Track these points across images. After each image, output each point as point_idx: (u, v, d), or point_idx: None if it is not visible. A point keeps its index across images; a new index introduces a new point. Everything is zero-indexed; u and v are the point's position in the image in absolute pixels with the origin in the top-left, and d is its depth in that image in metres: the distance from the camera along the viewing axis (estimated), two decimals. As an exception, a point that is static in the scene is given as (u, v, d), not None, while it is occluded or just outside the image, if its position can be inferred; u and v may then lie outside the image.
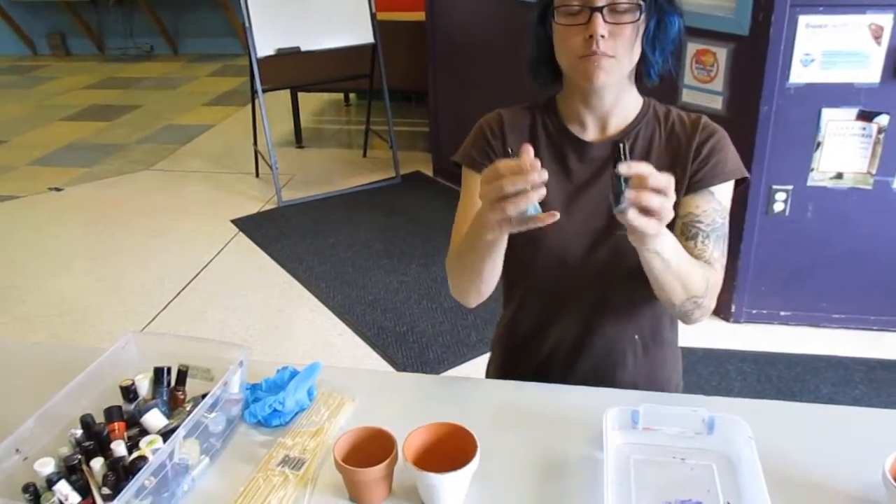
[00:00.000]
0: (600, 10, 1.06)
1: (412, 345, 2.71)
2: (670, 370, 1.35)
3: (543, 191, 0.92)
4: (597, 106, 1.18)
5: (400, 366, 2.61)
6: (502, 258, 1.12)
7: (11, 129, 5.58)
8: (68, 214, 4.04)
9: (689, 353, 2.57)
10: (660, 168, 1.15)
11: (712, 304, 1.15)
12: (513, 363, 1.37)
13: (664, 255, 1.01)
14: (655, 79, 1.17)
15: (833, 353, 2.57)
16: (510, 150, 0.95)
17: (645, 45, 1.12)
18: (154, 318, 2.99)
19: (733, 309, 2.74)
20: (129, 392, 1.08)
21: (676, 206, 1.15)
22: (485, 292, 1.18)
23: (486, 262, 1.10)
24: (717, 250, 1.16)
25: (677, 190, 1.14)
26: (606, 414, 1.00)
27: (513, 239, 1.25)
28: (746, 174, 1.18)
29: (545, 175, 0.91)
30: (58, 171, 4.68)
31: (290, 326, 2.90)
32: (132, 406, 1.08)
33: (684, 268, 1.06)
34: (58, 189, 4.37)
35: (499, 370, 1.41)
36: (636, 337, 1.26)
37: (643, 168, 0.91)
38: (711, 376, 2.47)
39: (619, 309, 1.24)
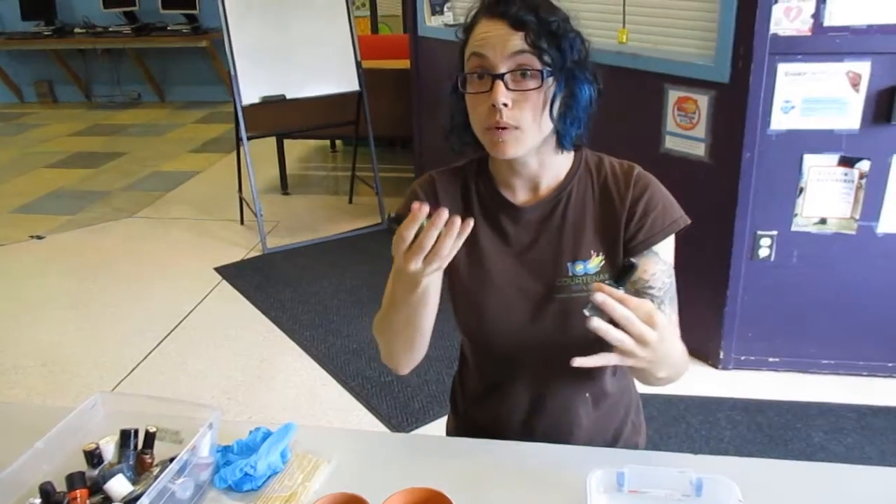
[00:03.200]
0: (502, 76, 1.04)
1: (397, 395, 2.66)
2: (623, 417, 1.32)
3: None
4: (522, 171, 1.16)
5: (385, 417, 2.55)
6: (431, 319, 1.11)
7: (-5, 177, 5.56)
8: (49, 263, 3.98)
9: (678, 401, 2.54)
10: (597, 223, 1.17)
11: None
12: (470, 422, 1.34)
13: (660, 375, 1.03)
14: (570, 148, 1.15)
15: (823, 399, 2.54)
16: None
17: (554, 117, 1.08)
18: (134, 369, 2.93)
19: (721, 356, 2.71)
20: (93, 457, 1.03)
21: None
22: (416, 356, 1.17)
23: (413, 318, 1.08)
24: (673, 314, 1.16)
25: (615, 251, 1.16)
26: (590, 476, 0.96)
27: (457, 306, 1.23)
28: (686, 222, 1.15)
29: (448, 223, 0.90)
30: (40, 219, 4.63)
31: (273, 377, 2.85)
32: (96, 471, 1.03)
33: (673, 361, 1.04)
34: (39, 237, 4.32)
35: (457, 428, 1.38)
36: (587, 395, 1.24)
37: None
38: (701, 426, 2.43)
39: (570, 371, 1.20)
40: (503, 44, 1.04)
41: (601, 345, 1.20)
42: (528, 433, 1.24)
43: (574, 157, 1.19)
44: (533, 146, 1.09)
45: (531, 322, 1.17)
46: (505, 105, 1.03)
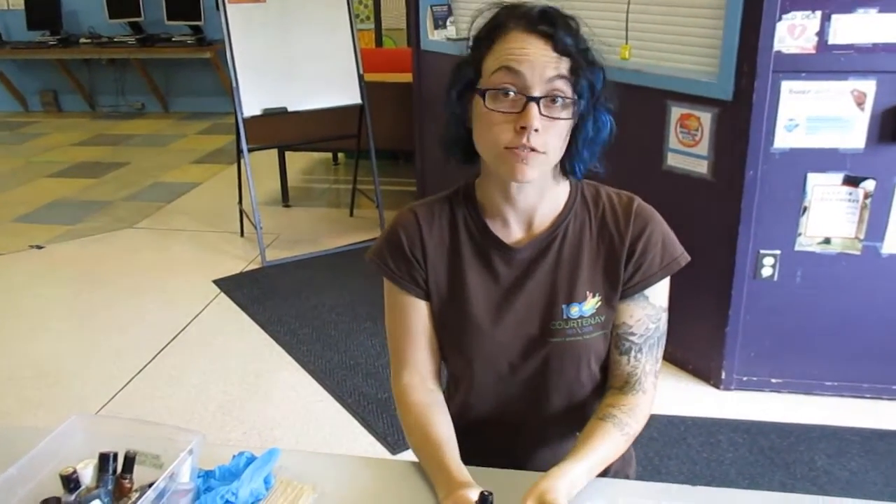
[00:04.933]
0: (537, 100, 0.97)
1: (393, 413, 2.62)
2: None
3: None
4: (519, 201, 1.09)
5: (381, 435, 2.52)
6: None
7: (-3, 186, 5.55)
8: (48, 273, 3.96)
9: (678, 422, 2.50)
10: (594, 261, 1.11)
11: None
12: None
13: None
14: (580, 177, 1.09)
15: (827, 422, 2.49)
16: (487, 495, 0.91)
17: (580, 143, 1.04)
18: (129, 382, 2.90)
19: (723, 376, 2.67)
20: (69, 481, 1.00)
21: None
22: None
23: None
24: (648, 363, 1.12)
25: (613, 291, 1.11)
26: (583, 509, 0.92)
27: (444, 349, 1.19)
28: (685, 260, 1.11)
29: None
30: (41, 229, 4.62)
31: (269, 392, 2.81)
32: (73, 497, 0.99)
33: (603, 464, 1.07)
34: (39, 247, 4.30)
35: None
36: (577, 434, 1.19)
37: None
38: (702, 447, 2.38)
39: (559, 411, 1.17)
40: (543, 65, 0.97)
41: (593, 386, 1.18)
42: (515, 468, 1.20)
43: (570, 188, 1.13)
44: (547, 171, 1.05)
45: (521, 364, 1.13)
46: (536, 130, 0.98)
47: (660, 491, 1.07)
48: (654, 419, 2.48)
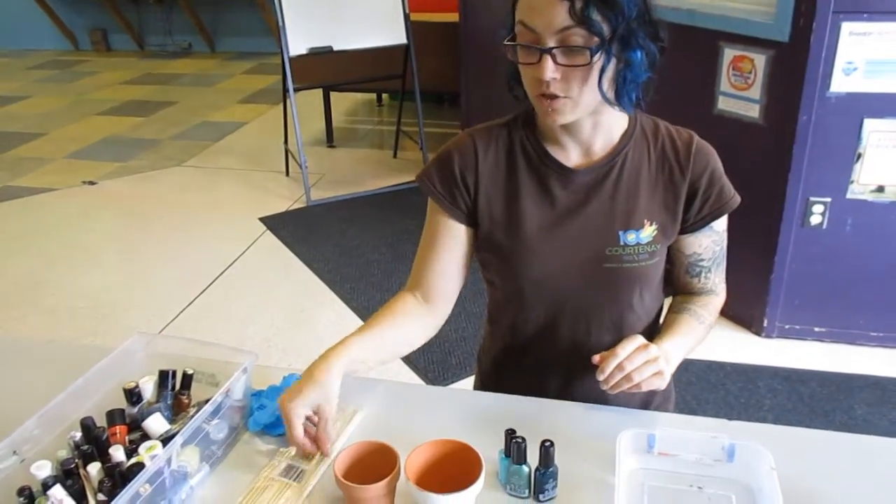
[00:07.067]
0: (550, 51, 0.98)
1: (434, 350, 2.68)
2: None
3: None
4: (574, 133, 1.11)
5: (422, 371, 2.58)
6: (393, 347, 1.23)
7: (50, 123, 5.68)
8: (100, 208, 4.08)
9: (717, 367, 2.51)
10: (652, 191, 1.12)
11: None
12: (503, 379, 1.31)
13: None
14: (629, 110, 1.09)
15: (869, 372, 2.48)
16: (519, 441, 0.96)
17: (603, 89, 1.01)
18: (179, 314, 3.00)
19: (765, 323, 2.65)
20: (132, 395, 1.06)
21: (676, 243, 1.17)
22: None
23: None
24: (718, 276, 1.21)
25: (670, 222, 1.13)
26: (620, 436, 0.95)
27: (495, 271, 1.20)
28: (738, 199, 1.16)
29: None
30: (92, 165, 4.74)
31: (313, 326, 2.89)
32: (135, 409, 1.06)
33: (689, 347, 1.14)
34: (91, 183, 4.42)
35: (486, 384, 1.35)
36: None
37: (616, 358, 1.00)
38: (740, 393, 2.39)
39: (611, 335, 1.18)
40: (549, 17, 0.96)
41: (647, 315, 1.20)
42: (564, 395, 1.23)
43: (629, 120, 1.14)
44: (586, 112, 1.05)
45: (573, 288, 1.14)
46: (555, 78, 0.99)
47: (696, 423, 1.09)
48: (692, 364, 2.51)
